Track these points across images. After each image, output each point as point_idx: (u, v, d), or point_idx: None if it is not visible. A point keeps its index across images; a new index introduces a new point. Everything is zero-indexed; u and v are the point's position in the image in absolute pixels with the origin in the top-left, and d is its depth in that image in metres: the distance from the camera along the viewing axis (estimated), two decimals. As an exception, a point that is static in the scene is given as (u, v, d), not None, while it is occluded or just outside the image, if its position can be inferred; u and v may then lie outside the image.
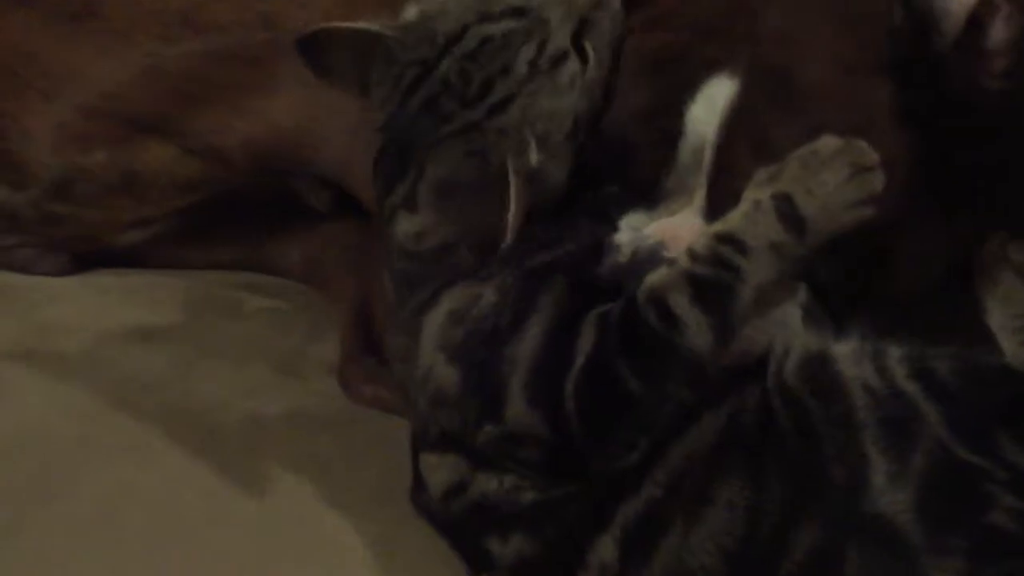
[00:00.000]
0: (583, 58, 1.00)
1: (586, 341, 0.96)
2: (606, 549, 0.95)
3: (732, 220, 0.97)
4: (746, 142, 1.02)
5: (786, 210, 0.95)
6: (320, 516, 1.14)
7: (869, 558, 0.89)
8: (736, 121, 1.02)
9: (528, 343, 0.97)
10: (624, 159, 1.07)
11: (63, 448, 1.21)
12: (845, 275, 1.05)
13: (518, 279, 0.99)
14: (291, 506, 1.15)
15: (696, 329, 0.95)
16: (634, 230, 1.05)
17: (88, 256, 1.51)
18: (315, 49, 1.03)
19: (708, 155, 1.03)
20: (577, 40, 1.00)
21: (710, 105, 1.03)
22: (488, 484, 0.99)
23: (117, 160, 1.44)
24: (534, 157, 0.99)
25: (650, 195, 1.06)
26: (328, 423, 1.26)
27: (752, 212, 0.96)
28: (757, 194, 0.96)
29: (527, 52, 0.99)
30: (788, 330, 1.00)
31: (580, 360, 0.96)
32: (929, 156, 1.04)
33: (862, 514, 0.90)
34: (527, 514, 0.98)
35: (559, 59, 1.00)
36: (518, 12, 1.00)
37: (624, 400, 0.96)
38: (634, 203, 1.07)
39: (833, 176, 0.95)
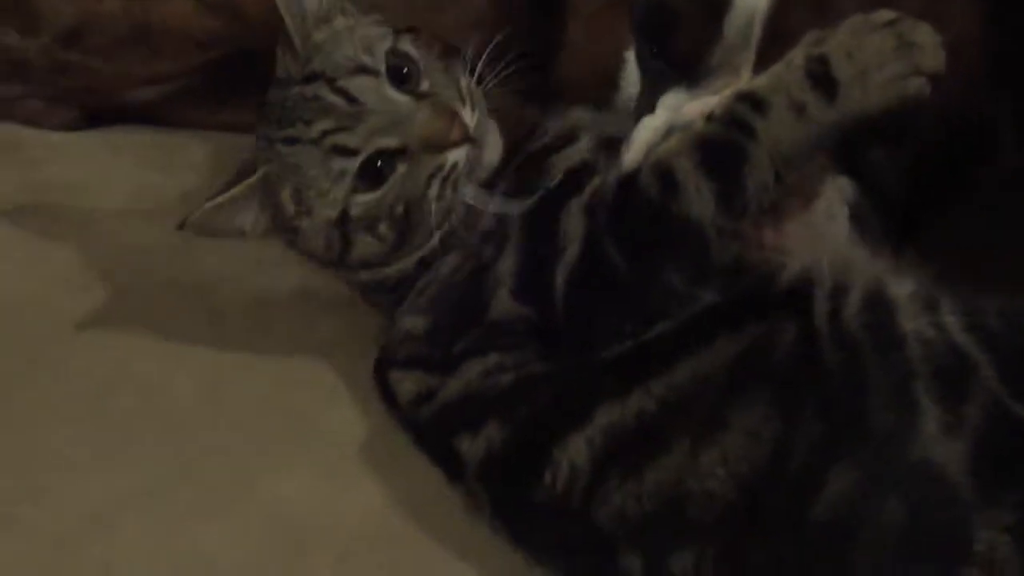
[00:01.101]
0: (377, 178, 1.06)
1: (575, 228, 0.98)
2: (577, 450, 0.94)
3: (758, 79, 0.95)
4: (807, 5, 0.97)
5: (817, 69, 0.93)
6: (318, 408, 1.11)
7: (913, 506, 0.86)
8: None
9: (509, 258, 1.01)
10: (666, 31, 1.01)
11: (55, 321, 1.19)
12: (901, 170, 1.00)
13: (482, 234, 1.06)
14: (289, 397, 1.12)
15: (696, 195, 0.94)
16: (672, 110, 1.01)
17: (100, 111, 1.47)
18: None
19: (758, 28, 0.97)
20: (387, 160, 1.06)
21: None
22: (470, 372, 1.00)
23: (132, 9, 1.40)
24: (289, 207, 1.09)
25: (693, 72, 1.01)
26: (336, 304, 1.22)
27: (781, 70, 0.94)
28: (796, 54, 0.94)
29: (328, 124, 1.07)
30: (838, 231, 0.97)
31: (573, 248, 0.98)
32: (1006, 44, 0.99)
33: (909, 462, 0.86)
34: (504, 396, 0.98)
35: (341, 151, 1.06)
36: (352, 100, 1.07)
37: (609, 280, 0.96)
38: (675, 80, 1.02)
39: (878, 43, 0.92)
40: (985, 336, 0.90)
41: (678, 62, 1.01)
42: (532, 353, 0.99)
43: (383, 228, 1.08)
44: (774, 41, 0.96)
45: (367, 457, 1.06)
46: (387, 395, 1.08)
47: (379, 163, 1.06)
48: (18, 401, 1.10)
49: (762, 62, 0.97)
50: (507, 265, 1.02)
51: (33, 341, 1.16)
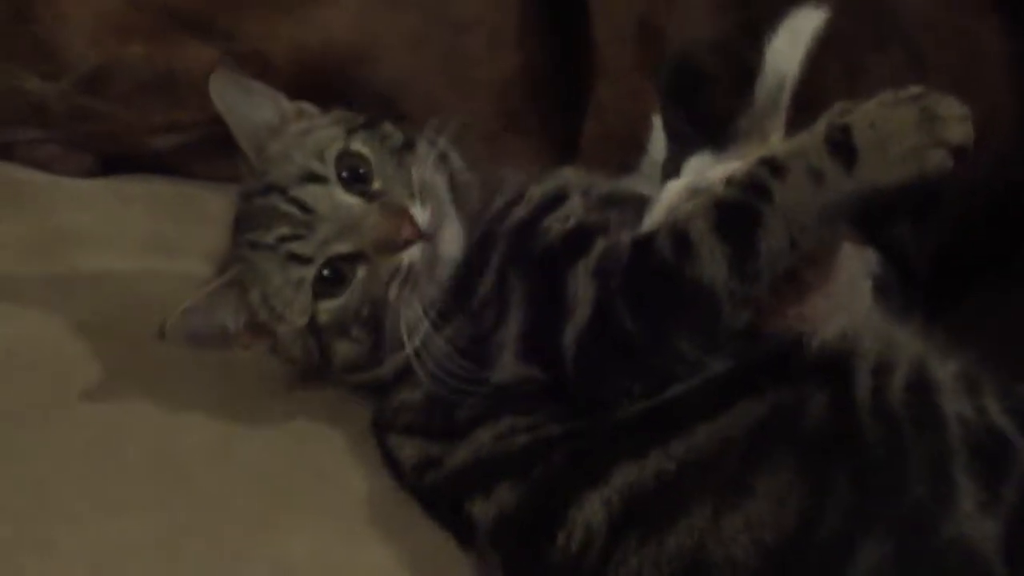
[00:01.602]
0: (339, 283, 1.08)
1: (584, 291, 0.99)
2: (593, 511, 0.94)
3: (781, 144, 0.96)
4: (839, 71, 0.99)
5: (838, 137, 0.94)
6: (329, 465, 1.12)
7: None
8: (827, 51, 0.98)
9: (513, 322, 1.02)
10: (696, 93, 1.04)
11: (64, 367, 1.19)
12: (928, 244, 1.02)
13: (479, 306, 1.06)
14: (300, 453, 1.13)
15: (709, 257, 0.95)
16: (697, 174, 1.03)
17: (116, 159, 1.49)
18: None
19: (787, 94, 0.99)
20: (346, 265, 1.08)
21: (794, 37, 0.99)
22: (481, 437, 1.01)
23: (156, 57, 1.42)
24: (262, 312, 1.11)
25: (720, 136, 1.03)
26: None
27: (804, 136, 0.95)
28: (820, 122, 0.95)
29: (284, 231, 1.09)
30: (860, 303, 0.98)
31: (583, 310, 0.99)
32: None
33: (942, 537, 0.88)
34: (518, 457, 0.99)
35: (297, 259, 1.09)
36: (306, 209, 1.09)
37: (619, 342, 0.97)
38: (701, 144, 1.04)
39: (901, 115, 0.93)
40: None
41: (707, 125, 1.03)
42: (546, 414, 1.00)
43: (356, 331, 1.10)
44: (804, 108, 0.98)
45: (378, 515, 1.07)
46: (389, 459, 1.09)
47: (338, 269, 1.08)
48: (26, 449, 1.10)
49: (791, 129, 0.99)
50: (511, 329, 1.03)
51: (43, 388, 1.17)
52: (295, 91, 1.34)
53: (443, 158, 1.14)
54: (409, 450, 1.06)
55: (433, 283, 1.08)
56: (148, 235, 1.39)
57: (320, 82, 1.39)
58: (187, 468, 1.11)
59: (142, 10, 1.41)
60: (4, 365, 1.18)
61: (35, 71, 1.44)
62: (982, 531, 0.87)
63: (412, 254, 1.07)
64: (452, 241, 1.10)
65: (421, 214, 1.09)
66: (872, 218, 0.97)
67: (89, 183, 1.47)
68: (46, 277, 1.31)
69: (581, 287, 1.00)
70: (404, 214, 1.08)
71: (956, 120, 0.92)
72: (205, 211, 1.42)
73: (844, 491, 0.90)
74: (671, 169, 1.07)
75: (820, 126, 0.95)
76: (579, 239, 1.04)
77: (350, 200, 1.09)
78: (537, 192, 1.12)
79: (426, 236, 1.08)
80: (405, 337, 1.07)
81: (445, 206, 1.11)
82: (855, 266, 0.99)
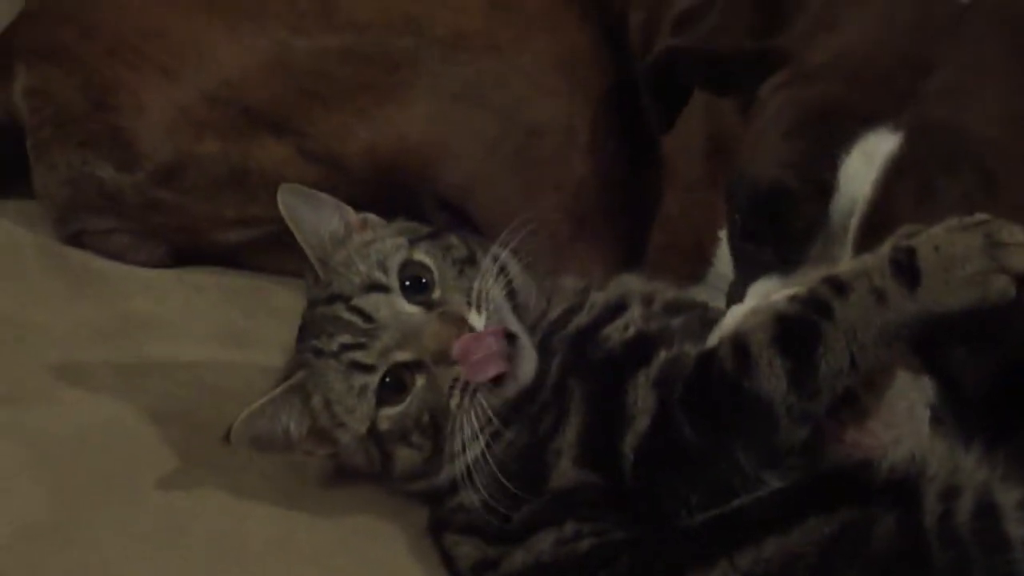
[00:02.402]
0: (400, 390, 1.11)
1: (644, 400, 1.01)
2: None
3: (845, 264, 0.98)
4: (910, 194, 0.99)
5: (903, 259, 0.95)
6: (389, 560, 1.14)
7: None
8: (899, 175, 0.99)
9: (571, 429, 1.04)
10: (769, 214, 1.05)
11: (131, 452, 1.22)
12: (989, 371, 1.02)
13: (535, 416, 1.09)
14: (361, 545, 1.16)
15: (767, 371, 0.96)
16: (762, 299, 1.04)
17: (187, 250, 1.52)
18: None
19: (857, 218, 1.00)
20: (406, 373, 1.11)
21: (867, 160, 1.00)
22: (542, 542, 1.03)
23: (230, 153, 1.45)
24: (324, 418, 1.14)
25: (789, 259, 1.04)
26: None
27: (869, 257, 0.97)
28: (886, 244, 0.96)
29: (346, 339, 1.12)
30: (918, 433, 0.99)
31: (643, 420, 1.01)
32: None
33: None
34: (581, 563, 1.01)
35: (360, 367, 1.12)
36: (368, 318, 1.12)
37: (679, 453, 0.99)
38: (768, 268, 1.06)
39: (966, 240, 0.95)
40: None
41: (778, 246, 1.05)
42: (610, 520, 1.02)
43: (416, 438, 1.12)
44: (874, 232, 0.99)
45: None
46: (446, 559, 1.11)
47: (399, 377, 1.10)
48: (94, 532, 1.13)
49: (859, 253, 1.00)
50: (568, 436, 1.05)
51: (113, 473, 1.19)
52: (366, 190, 1.38)
53: (503, 270, 1.16)
54: (466, 548, 1.09)
55: (494, 395, 1.10)
56: (218, 325, 1.42)
57: (391, 183, 1.42)
58: (250, 556, 1.13)
59: (218, 107, 1.45)
60: (75, 450, 1.21)
61: (110, 160, 1.47)
62: None
63: None
64: (522, 359, 1.11)
65: (479, 324, 1.11)
66: (933, 343, 0.99)
67: (160, 272, 1.50)
68: (117, 364, 1.34)
69: (641, 396, 1.03)
70: (462, 323, 1.10)
71: (1020, 247, 0.94)
72: (274, 303, 1.46)
73: None
74: (736, 294, 1.09)
75: (885, 248, 0.96)
76: (640, 348, 1.06)
77: (411, 309, 1.12)
78: (599, 300, 1.15)
79: None
80: (461, 449, 1.09)
81: (507, 318, 1.13)
82: (915, 395, 1.00)
